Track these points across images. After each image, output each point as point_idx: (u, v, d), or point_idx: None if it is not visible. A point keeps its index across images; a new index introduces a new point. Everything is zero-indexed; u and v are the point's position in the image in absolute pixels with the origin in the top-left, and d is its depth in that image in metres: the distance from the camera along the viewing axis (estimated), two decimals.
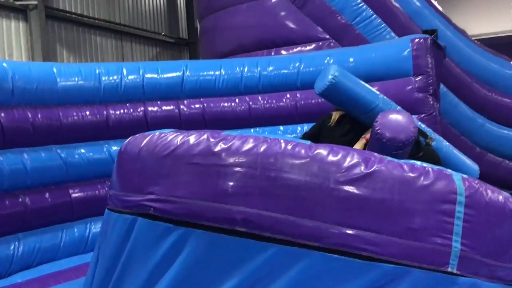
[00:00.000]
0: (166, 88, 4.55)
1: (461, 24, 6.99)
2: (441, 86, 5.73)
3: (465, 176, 1.91)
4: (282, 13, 6.62)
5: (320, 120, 4.05)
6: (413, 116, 4.07)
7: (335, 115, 3.91)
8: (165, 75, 4.58)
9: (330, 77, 3.49)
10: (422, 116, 4.58)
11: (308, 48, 6.41)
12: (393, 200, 1.80)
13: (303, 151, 1.85)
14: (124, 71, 4.39)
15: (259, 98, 4.86)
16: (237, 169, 1.84)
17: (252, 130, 4.82)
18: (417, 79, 4.80)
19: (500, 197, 1.91)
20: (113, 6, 12.13)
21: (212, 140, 1.91)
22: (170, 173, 1.92)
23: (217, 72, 4.78)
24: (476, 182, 1.90)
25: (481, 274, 1.86)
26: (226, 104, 4.76)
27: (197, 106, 4.66)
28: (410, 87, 4.75)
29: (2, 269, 3.40)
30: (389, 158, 1.92)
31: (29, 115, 3.75)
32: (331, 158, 1.83)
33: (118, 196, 2.07)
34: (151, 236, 1.92)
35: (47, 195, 3.78)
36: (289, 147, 1.86)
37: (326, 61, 4.95)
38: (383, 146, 3.10)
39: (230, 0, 7.02)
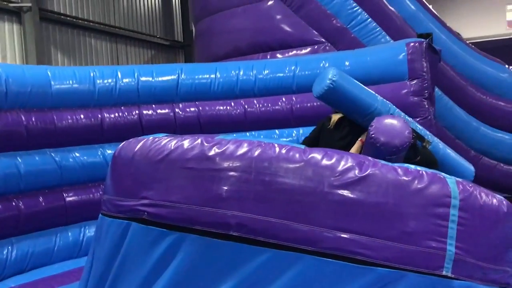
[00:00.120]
0: (161, 92, 4.54)
1: (455, 27, 7.02)
2: (436, 89, 5.74)
3: (459, 179, 1.91)
4: (278, 17, 6.63)
5: (320, 124, 4.05)
6: (411, 118, 4.09)
7: (334, 117, 3.89)
8: (160, 78, 4.56)
9: (328, 81, 3.47)
10: (418, 119, 4.59)
11: (303, 51, 6.42)
12: (387, 203, 1.80)
13: (297, 155, 1.85)
14: (119, 74, 4.37)
15: (255, 101, 4.86)
16: (231, 173, 1.84)
17: (247, 133, 4.81)
18: (412, 82, 4.81)
19: (494, 200, 1.91)
20: (107, 9, 12.12)
21: (206, 144, 1.91)
22: (164, 178, 1.92)
23: (213, 76, 4.77)
24: (470, 185, 1.90)
25: (475, 277, 1.86)
26: (221, 108, 4.75)
27: (192, 109, 4.64)
28: (405, 90, 4.76)
29: None
30: (383, 161, 1.92)
31: (23, 118, 3.73)
32: (325, 162, 1.83)
33: (112, 200, 2.06)
34: (145, 241, 1.92)
35: (41, 199, 3.76)
36: (284, 151, 1.86)
37: (321, 65, 4.96)
38: (377, 151, 3.10)
39: (225, 3, 7.03)
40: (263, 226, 1.79)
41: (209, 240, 1.82)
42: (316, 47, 6.44)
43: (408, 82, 4.81)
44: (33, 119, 3.79)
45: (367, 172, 1.82)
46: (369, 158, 1.93)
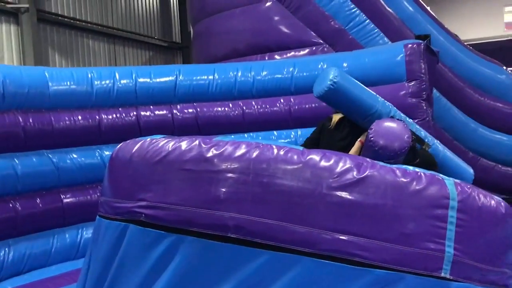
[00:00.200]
0: (159, 93, 4.53)
1: (453, 29, 7.04)
2: (434, 91, 5.75)
3: (457, 180, 1.91)
4: (276, 18, 6.63)
5: (320, 124, 4.05)
6: (411, 120, 4.09)
7: (335, 118, 3.89)
8: (158, 80, 4.56)
9: (329, 81, 3.45)
10: (416, 121, 4.59)
11: (301, 52, 6.42)
12: (386, 205, 1.80)
13: (295, 156, 1.84)
14: (117, 76, 4.36)
15: (253, 103, 4.85)
16: (229, 175, 1.83)
17: (246, 135, 4.81)
18: (410, 84, 4.81)
19: (492, 202, 1.91)
20: (105, 10, 12.10)
21: (204, 146, 1.90)
22: (161, 180, 1.91)
23: (211, 77, 4.76)
24: (469, 186, 1.90)
25: (473, 279, 1.86)
26: (219, 109, 4.75)
27: (190, 110, 4.64)
28: (404, 92, 4.76)
29: None
30: (381, 163, 1.92)
31: (20, 119, 3.72)
32: (323, 163, 1.82)
33: (109, 202, 2.06)
34: (142, 243, 1.91)
35: (38, 200, 3.75)
36: (282, 152, 1.85)
37: (319, 66, 4.96)
38: (376, 154, 3.09)
39: (223, 5, 7.02)
40: (261, 228, 1.78)
41: (207, 242, 1.81)
42: (314, 48, 6.44)
43: (406, 84, 4.81)
44: (31, 120, 3.78)
45: (365, 174, 1.81)
46: (368, 159, 1.92)
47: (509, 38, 15.80)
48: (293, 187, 1.80)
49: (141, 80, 4.47)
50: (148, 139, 2.06)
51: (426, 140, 3.87)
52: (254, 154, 1.84)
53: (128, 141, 2.13)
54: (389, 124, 3.18)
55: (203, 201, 1.84)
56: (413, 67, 4.81)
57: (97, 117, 4.20)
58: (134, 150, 2.04)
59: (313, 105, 4.89)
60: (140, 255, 1.91)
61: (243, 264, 1.80)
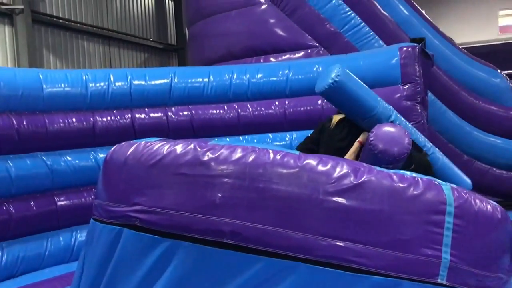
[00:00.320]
0: (154, 95, 4.52)
1: (448, 32, 7.06)
2: (429, 94, 5.76)
3: (454, 186, 1.90)
4: (271, 20, 6.63)
5: (320, 125, 4.06)
6: (410, 124, 4.09)
7: (335, 118, 3.89)
8: (153, 82, 4.55)
9: (331, 80, 3.44)
10: (411, 124, 4.59)
11: (297, 55, 6.42)
12: (383, 211, 1.79)
13: (292, 161, 1.82)
14: (112, 78, 4.35)
15: (248, 105, 4.85)
16: (225, 180, 1.81)
17: (241, 137, 4.80)
18: (405, 87, 4.82)
19: (488, 207, 1.90)
20: (100, 11, 12.08)
21: (199, 149, 1.88)
22: (156, 184, 1.89)
23: (206, 79, 4.76)
24: (465, 192, 1.89)
25: (470, 285, 1.85)
26: (214, 112, 4.74)
27: (185, 113, 4.63)
28: (398, 95, 4.77)
29: None
30: (378, 168, 1.90)
31: (14, 121, 3.70)
32: (320, 168, 1.81)
33: (104, 206, 2.03)
34: (137, 247, 1.88)
35: (32, 203, 3.73)
36: (278, 157, 1.84)
37: (315, 69, 4.96)
38: (375, 158, 3.09)
39: (219, 7, 7.02)
40: (257, 234, 1.76)
41: (203, 248, 1.79)
42: (309, 51, 6.45)
43: (401, 87, 4.82)
44: (25, 123, 3.76)
45: (362, 179, 1.80)
46: (365, 164, 1.91)
47: (504, 41, 15.87)
48: (289, 192, 1.78)
49: (136, 82, 4.46)
50: (143, 141, 2.04)
51: (425, 149, 3.89)
52: (250, 159, 1.82)
53: (123, 143, 2.11)
54: (390, 128, 3.17)
55: (198, 206, 1.82)
56: (408, 70, 4.82)
57: (92, 119, 4.18)
58: (128, 153, 2.01)
59: (308, 107, 4.89)
60: (135, 260, 1.89)
61: (239, 270, 1.78)
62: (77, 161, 4.05)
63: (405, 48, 4.90)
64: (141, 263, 1.87)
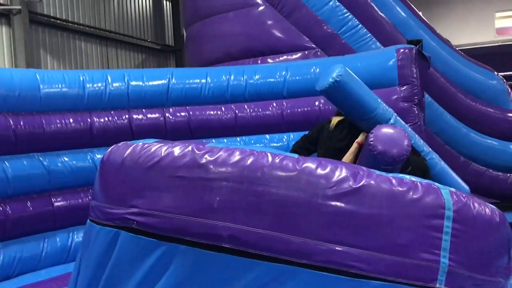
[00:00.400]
0: (152, 96, 4.52)
1: (445, 34, 7.08)
2: (426, 95, 5.77)
3: (452, 189, 1.89)
4: (269, 22, 6.63)
5: (319, 125, 4.11)
6: (411, 129, 4.10)
7: (334, 120, 3.95)
8: (150, 83, 4.55)
9: (331, 79, 3.46)
10: (408, 125, 4.61)
11: (294, 57, 6.43)
12: (382, 215, 1.77)
13: (290, 164, 1.81)
14: (109, 79, 4.35)
15: (245, 106, 4.85)
16: (223, 183, 1.80)
17: (238, 138, 4.81)
18: (402, 88, 4.83)
19: (487, 210, 1.89)
20: (98, 12, 12.06)
21: (197, 152, 1.86)
22: (153, 186, 1.88)
23: (203, 80, 4.76)
24: (464, 195, 1.88)
25: None
26: (212, 112, 4.74)
27: (182, 114, 4.63)
28: (396, 96, 4.78)
29: None
30: (377, 172, 1.89)
31: (11, 122, 3.69)
32: (319, 172, 1.80)
33: (100, 207, 2.02)
34: (135, 250, 1.87)
35: (28, 203, 3.72)
36: (277, 160, 1.82)
37: (312, 70, 4.97)
38: (374, 159, 3.08)
39: (216, 8, 7.02)
40: (256, 238, 1.75)
41: (201, 252, 1.78)
42: (306, 52, 6.45)
43: (398, 88, 4.83)
44: (22, 123, 3.76)
45: (361, 183, 1.79)
46: (364, 168, 1.89)
47: (500, 43, 15.91)
48: (288, 196, 1.77)
49: (133, 83, 4.45)
50: (140, 143, 2.01)
51: (423, 153, 3.90)
52: (249, 162, 1.81)
53: (120, 144, 2.09)
54: (390, 130, 3.17)
55: (196, 209, 1.80)
56: (405, 72, 4.82)
57: (89, 120, 4.18)
58: (126, 154, 1.99)
59: (306, 109, 4.90)
60: (133, 263, 1.87)
61: (238, 275, 1.77)
62: (74, 162, 4.04)
63: (402, 50, 4.91)
64: (138, 266, 1.85)
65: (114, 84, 4.36)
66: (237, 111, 4.80)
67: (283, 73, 4.96)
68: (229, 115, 4.77)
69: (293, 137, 4.86)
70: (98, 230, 2.00)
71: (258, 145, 4.82)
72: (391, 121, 3.69)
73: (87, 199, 3.98)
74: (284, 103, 4.91)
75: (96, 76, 4.32)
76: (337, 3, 6.40)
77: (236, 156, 1.83)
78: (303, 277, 1.75)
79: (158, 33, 14.65)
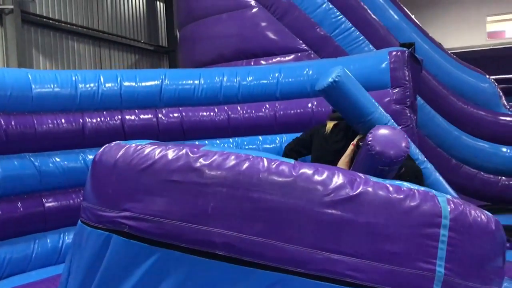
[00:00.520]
0: (144, 97, 4.50)
1: (437, 37, 7.11)
2: (418, 98, 5.79)
3: (449, 197, 1.88)
4: (262, 24, 6.64)
5: (312, 130, 4.17)
6: (399, 126, 4.13)
7: (330, 124, 4.00)
8: (143, 84, 4.53)
9: (331, 78, 3.50)
10: (400, 127, 4.62)
11: (287, 58, 6.44)
12: (378, 223, 1.76)
13: (287, 170, 1.78)
14: (102, 79, 4.33)
15: (238, 108, 4.85)
16: (218, 188, 1.76)
17: (231, 140, 4.80)
18: (394, 91, 4.84)
19: (483, 217, 1.88)
20: (91, 12, 12.01)
21: (191, 155, 1.82)
22: (146, 190, 1.84)
23: (196, 81, 4.75)
24: (461, 203, 1.87)
25: None
26: (205, 114, 4.73)
27: (175, 115, 4.62)
28: (388, 99, 4.79)
29: None
30: (374, 179, 1.87)
31: (2, 122, 3.66)
32: (316, 178, 1.77)
33: (92, 209, 1.98)
34: (127, 255, 1.83)
35: (19, 204, 3.69)
36: (273, 165, 1.79)
37: (305, 72, 4.98)
38: (371, 159, 3.08)
39: (210, 10, 7.02)
40: (250, 245, 1.72)
41: (195, 259, 1.74)
42: (299, 54, 6.46)
43: (390, 91, 4.84)
44: (13, 123, 3.73)
45: (358, 190, 1.77)
46: (361, 175, 1.87)
47: (492, 47, 16.02)
48: (284, 203, 1.74)
49: (126, 83, 4.44)
50: (133, 144, 1.97)
51: (418, 162, 3.94)
52: (244, 167, 1.77)
53: (112, 144, 2.05)
54: (389, 130, 3.17)
55: (190, 215, 1.76)
56: (397, 74, 4.84)
57: (81, 120, 4.15)
58: (118, 156, 1.94)
59: (298, 110, 4.90)
60: (126, 268, 1.83)
61: (232, 283, 1.74)
62: (65, 162, 4.02)
63: (394, 53, 4.93)
64: (132, 272, 1.82)
65: (107, 85, 4.34)
66: (230, 113, 4.80)
67: (276, 74, 4.96)
68: (222, 116, 4.76)
69: (286, 138, 4.86)
70: (89, 232, 1.97)
71: (251, 146, 4.82)
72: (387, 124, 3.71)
73: (78, 200, 3.95)
74: (277, 105, 4.91)
75: (89, 76, 4.30)
76: (330, 6, 6.42)
77: (232, 161, 1.80)
78: (298, 286, 1.73)
79: (152, 34, 14.61)
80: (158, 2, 15.06)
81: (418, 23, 6.96)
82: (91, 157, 4.08)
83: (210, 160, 1.81)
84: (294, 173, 1.79)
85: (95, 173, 2.05)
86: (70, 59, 11.29)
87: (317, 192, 1.76)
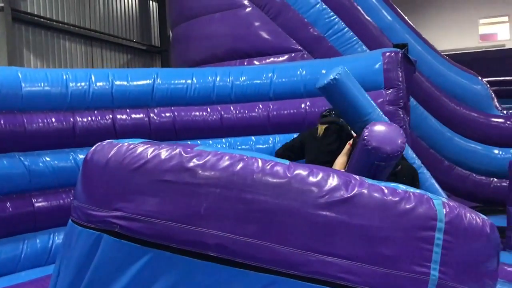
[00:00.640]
0: (136, 96, 4.47)
1: (429, 39, 7.13)
2: (411, 99, 5.80)
3: (445, 200, 1.87)
4: (256, 24, 6.62)
5: (301, 135, 4.27)
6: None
7: (321, 127, 4.09)
8: (135, 83, 4.49)
9: (331, 76, 3.56)
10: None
11: (281, 59, 6.43)
12: (373, 226, 1.74)
13: (281, 171, 1.76)
14: (93, 78, 4.29)
15: (231, 107, 4.82)
16: (211, 189, 1.74)
17: (223, 140, 4.77)
18: (388, 92, 4.84)
19: (478, 220, 1.86)
20: (83, 11, 11.92)
21: (185, 155, 1.79)
22: (138, 189, 1.81)
23: (189, 81, 4.72)
24: (456, 206, 1.85)
25: None
26: (197, 113, 4.70)
27: (167, 114, 4.58)
28: (381, 99, 4.79)
29: None
30: (370, 181, 1.85)
31: None
32: (310, 180, 1.75)
33: (83, 208, 1.95)
34: (118, 256, 1.80)
35: (8, 204, 3.65)
36: (267, 166, 1.77)
37: (298, 72, 4.96)
38: (368, 154, 3.08)
39: (203, 9, 6.99)
40: (243, 247, 1.70)
41: (187, 260, 1.72)
42: (293, 55, 6.45)
43: (384, 91, 4.84)
44: (2, 122, 3.69)
45: (353, 192, 1.75)
46: (356, 176, 1.85)
47: (484, 49, 16.11)
48: (278, 204, 1.72)
49: (117, 82, 4.40)
50: (126, 143, 1.94)
51: (414, 166, 3.96)
52: (238, 167, 1.75)
53: (104, 143, 2.02)
54: (386, 126, 3.17)
55: (182, 215, 1.74)
56: (391, 75, 4.84)
57: (72, 119, 4.11)
58: (110, 155, 1.91)
59: (292, 111, 4.88)
60: (117, 269, 1.80)
61: (224, 284, 1.72)
62: (56, 162, 3.97)
63: (388, 54, 4.93)
64: (123, 272, 1.79)
65: (98, 84, 4.30)
66: (223, 113, 4.77)
67: (270, 75, 4.94)
68: (214, 116, 4.73)
69: (279, 139, 4.84)
70: (80, 231, 1.94)
71: (244, 147, 4.79)
72: None
73: (68, 200, 3.91)
74: (270, 105, 4.89)
75: (80, 75, 4.26)
76: (324, 6, 6.41)
77: (226, 161, 1.77)
78: None
79: (144, 34, 14.54)
80: (150, 1, 15.00)
81: (411, 24, 6.97)
82: (81, 156, 4.04)
83: (204, 160, 1.79)
84: (288, 174, 1.76)
85: (86, 172, 2.02)
86: (61, 58, 11.20)
87: (312, 193, 1.74)
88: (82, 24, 11.84)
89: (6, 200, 3.64)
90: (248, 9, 6.68)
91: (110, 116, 4.31)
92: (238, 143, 4.80)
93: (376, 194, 1.77)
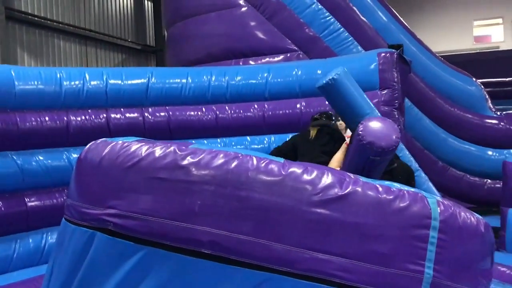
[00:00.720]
0: (130, 95, 4.45)
1: (424, 40, 7.15)
2: (406, 100, 5.81)
3: (439, 198, 1.87)
4: (251, 23, 6.61)
5: (292, 139, 4.29)
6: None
7: (314, 130, 4.12)
8: (129, 82, 4.47)
9: (331, 76, 3.57)
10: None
11: (276, 59, 6.43)
12: (367, 224, 1.74)
13: (276, 169, 1.76)
14: (87, 76, 4.26)
15: (226, 107, 4.81)
16: (205, 186, 1.74)
17: (218, 140, 4.76)
18: (383, 92, 4.85)
19: (472, 219, 1.86)
20: (78, 10, 11.89)
21: (179, 153, 1.79)
22: (132, 187, 1.80)
23: (184, 80, 4.70)
24: (451, 205, 1.85)
25: None
26: (192, 113, 4.69)
27: (162, 114, 4.56)
28: (376, 100, 4.80)
29: None
30: (364, 179, 1.85)
31: None
32: (305, 177, 1.75)
33: (76, 207, 1.95)
34: (112, 253, 1.80)
35: (0, 203, 3.62)
36: (262, 164, 1.77)
37: (294, 72, 4.96)
38: (363, 149, 3.08)
39: (198, 8, 6.97)
40: (237, 244, 1.70)
41: (181, 257, 1.71)
42: (289, 55, 6.45)
43: (379, 92, 4.85)
44: None
45: (347, 190, 1.75)
46: (350, 174, 1.85)
47: (478, 51, 16.20)
48: (272, 201, 1.72)
49: (112, 81, 4.37)
50: (120, 141, 1.94)
51: (412, 168, 3.98)
52: (233, 165, 1.75)
53: (98, 141, 2.02)
54: (381, 121, 3.18)
55: (176, 213, 1.74)
56: (386, 76, 4.85)
57: (65, 118, 4.09)
58: (104, 153, 1.91)
59: (287, 111, 4.88)
60: (110, 267, 1.80)
61: (218, 282, 1.71)
62: (49, 161, 3.95)
63: (383, 54, 4.94)
64: (115, 270, 1.78)
65: (92, 82, 4.28)
66: (218, 112, 4.76)
67: (265, 75, 4.94)
68: (209, 116, 4.72)
69: (274, 139, 4.84)
70: (73, 230, 1.93)
71: (239, 147, 4.78)
72: None
73: (62, 199, 3.89)
74: (266, 105, 4.88)
75: (74, 74, 4.23)
76: (320, 6, 6.42)
77: (220, 159, 1.77)
78: (285, 286, 1.70)
79: (139, 33, 14.52)
80: (146, 1, 14.98)
81: (407, 25, 6.99)
82: (75, 155, 4.02)
83: (198, 158, 1.78)
84: (283, 172, 1.76)
85: (80, 170, 2.01)
86: (55, 57, 11.17)
87: (306, 191, 1.74)
88: (77, 23, 11.81)
89: None
90: (243, 9, 6.68)
91: (104, 115, 4.29)
92: (233, 143, 4.79)
93: (370, 192, 1.77)
